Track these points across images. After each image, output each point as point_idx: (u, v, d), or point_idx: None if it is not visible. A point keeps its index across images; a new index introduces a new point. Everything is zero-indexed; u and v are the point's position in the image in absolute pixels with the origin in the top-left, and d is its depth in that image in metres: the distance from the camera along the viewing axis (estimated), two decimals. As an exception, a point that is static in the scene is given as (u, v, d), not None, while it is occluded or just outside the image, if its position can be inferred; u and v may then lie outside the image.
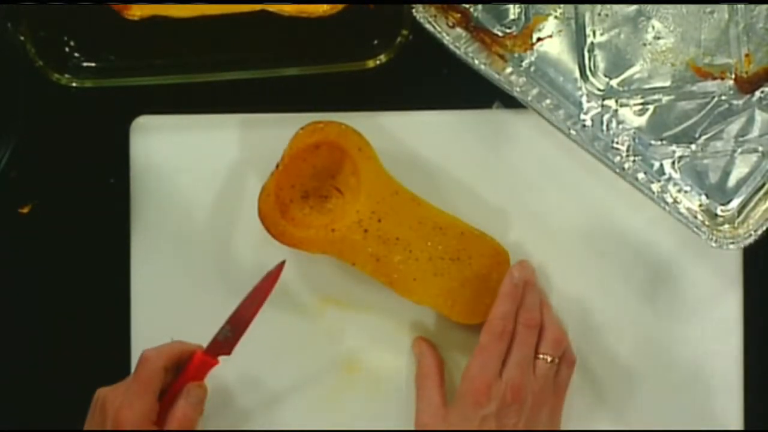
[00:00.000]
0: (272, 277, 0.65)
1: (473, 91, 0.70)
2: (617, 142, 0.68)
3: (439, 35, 0.67)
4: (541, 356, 0.65)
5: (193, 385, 0.63)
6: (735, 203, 0.69)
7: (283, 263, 0.65)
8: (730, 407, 0.70)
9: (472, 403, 0.62)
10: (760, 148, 0.68)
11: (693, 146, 0.68)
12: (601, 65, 0.69)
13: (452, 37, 0.67)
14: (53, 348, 0.73)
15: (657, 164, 0.68)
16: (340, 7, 0.67)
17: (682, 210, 0.68)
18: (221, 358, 0.65)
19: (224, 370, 0.65)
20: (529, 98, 0.68)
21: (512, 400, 0.62)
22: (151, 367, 0.61)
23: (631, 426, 0.70)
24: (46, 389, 0.73)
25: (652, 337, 0.71)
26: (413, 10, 0.66)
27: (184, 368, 0.63)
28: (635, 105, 0.69)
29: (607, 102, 0.69)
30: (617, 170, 0.68)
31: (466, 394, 0.63)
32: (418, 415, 0.64)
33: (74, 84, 0.68)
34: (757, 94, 0.68)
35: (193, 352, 0.64)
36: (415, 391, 0.66)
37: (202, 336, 0.66)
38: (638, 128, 0.69)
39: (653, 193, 0.68)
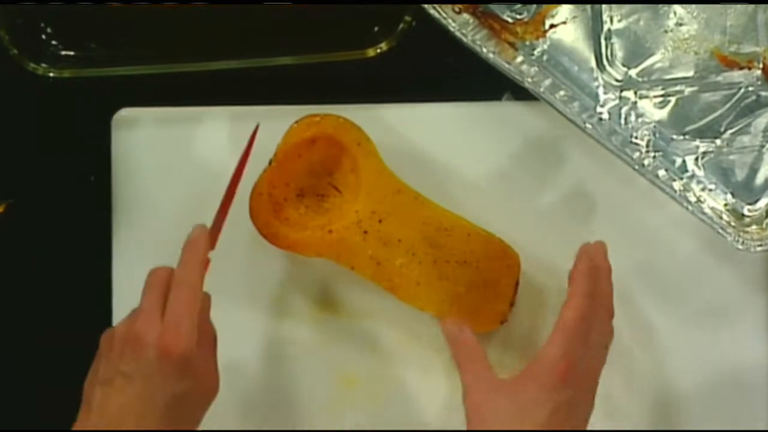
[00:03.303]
0: (246, 148, 0.64)
1: (481, 82, 0.69)
2: (636, 137, 0.67)
3: (444, 21, 0.66)
4: (608, 336, 0.63)
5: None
6: (763, 203, 0.67)
7: (257, 127, 0.64)
8: (758, 412, 0.70)
9: (547, 383, 0.57)
10: (791, 144, 0.68)
11: (718, 141, 0.67)
12: (619, 54, 0.68)
13: (459, 23, 0.67)
14: (32, 352, 0.71)
15: (679, 160, 0.67)
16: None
17: (706, 210, 0.66)
18: None
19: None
20: (542, 89, 0.67)
21: (588, 389, 0.59)
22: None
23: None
24: (25, 392, 0.71)
25: (675, 344, 0.70)
26: (417, -5, 0.66)
27: None
28: (656, 97, 0.68)
29: (625, 93, 0.68)
30: (636, 167, 0.67)
31: (542, 372, 0.58)
32: (470, 394, 0.59)
33: (52, 74, 0.67)
34: (788, 85, 0.68)
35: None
36: (458, 372, 0.62)
37: None
38: (659, 122, 0.68)
39: (675, 191, 0.66)
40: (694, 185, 0.67)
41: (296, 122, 0.65)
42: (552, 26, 0.68)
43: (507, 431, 0.56)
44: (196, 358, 0.56)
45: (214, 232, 0.62)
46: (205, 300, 0.60)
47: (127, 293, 0.68)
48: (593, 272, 0.61)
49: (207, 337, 0.59)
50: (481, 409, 0.58)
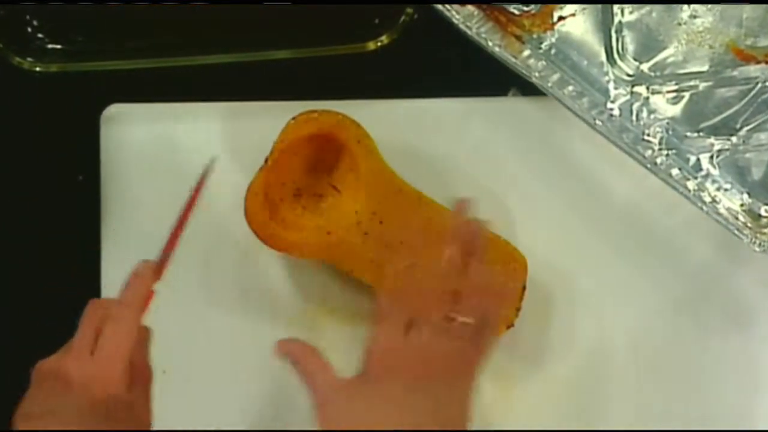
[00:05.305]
0: (199, 183, 0.62)
1: (486, 77, 0.69)
2: (648, 134, 0.67)
3: (448, 14, 0.66)
4: (459, 318, 0.59)
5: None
6: (781, 203, 0.68)
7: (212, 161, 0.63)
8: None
9: (377, 373, 0.57)
10: (809, 141, 0.68)
11: (734, 138, 0.67)
12: (631, 47, 0.68)
13: (463, 15, 0.66)
14: (21, 352, 0.67)
15: (693, 159, 0.67)
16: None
17: (722, 210, 0.66)
18: None
19: (210, 387, 0.65)
20: (550, 85, 0.66)
21: (423, 366, 0.57)
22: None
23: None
24: (9, 400, 0.68)
25: (689, 352, 0.70)
26: (419, -14, 0.66)
27: None
28: (669, 92, 0.67)
29: (637, 89, 0.67)
30: (648, 165, 0.66)
31: (370, 364, 0.58)
32: (319, 408, 0.58)
33: (38, 68, 0.67)
34: (806, 80, 0.68)
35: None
36: (307, 391, 0.60)
37: (181, 347, 0.65)
38: (672, 118, 0.67)
39: (689, 191, 0.66)
40: (708, 185, 0.66)
41: (293, 119, 0.64)
42: (560, 18, 0.67)
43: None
44: (124, 400, 0.55)
45: (160, 264, 0.60)
46: (143, 335, 0.58)
47: (116, 294, 0.67)
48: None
49: (141, 377, 0.57)
50: (331, 421, 0.57)
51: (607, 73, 0.67)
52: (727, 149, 0.67)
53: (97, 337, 0.56)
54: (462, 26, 0.66)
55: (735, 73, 0.67)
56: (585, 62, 0.67)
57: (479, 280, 0.60)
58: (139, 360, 0.57)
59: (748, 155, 0.67)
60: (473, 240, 0.61)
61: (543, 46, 0.67)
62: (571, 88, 0.66)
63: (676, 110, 0.67)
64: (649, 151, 0.66)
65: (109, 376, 0.54)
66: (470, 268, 0.60)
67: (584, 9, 0.67)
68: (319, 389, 0.58)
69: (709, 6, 0.67)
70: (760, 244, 0.65)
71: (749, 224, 0.66)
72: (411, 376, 0.56)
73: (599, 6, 0.67)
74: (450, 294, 0.59)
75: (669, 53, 0.67)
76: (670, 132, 0.67)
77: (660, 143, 0.66)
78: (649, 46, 0.67)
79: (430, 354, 0.57)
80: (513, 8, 0.67)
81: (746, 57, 0.67)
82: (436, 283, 0.59)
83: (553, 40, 0.67)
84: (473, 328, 0.59)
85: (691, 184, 0.66)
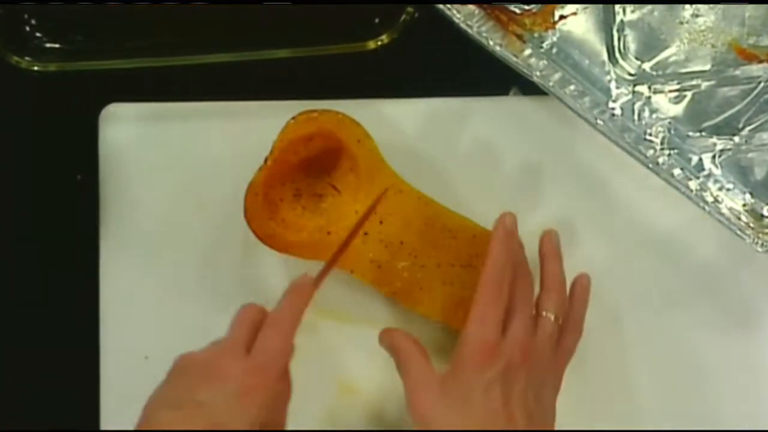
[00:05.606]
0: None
1: (487, 76, 0.68)
2: (650, 134, 0.66)
3: (448, 12, 0.66)
4: (544, 314, 0.61)
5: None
6: (783, 203, 0.67)
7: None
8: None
9: (474, 367, 0.58)
10: (812, 141, 0.67)
11: (736, 138, 0.66)
12: (632, 46, 0.67)
13: (464, 14, 0.66)
14: (17, 354, 0.71)
15: (695, 159, 0.66)
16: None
17: (724, 210, 0.66)
18: None
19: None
20: (551, 84, 0.66)
21: (521, 361, 0.58)
22: None
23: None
24: (8, 400, 0.71)
25: (690, 353, 0.69)
26: (420, -16, 0.65)
27: None
28: (671, 91, 0.67)
29: (638, 88, 0.67)
30: (650, 165, 0.66)
31: (466, 358, 0.58)
32: (410, 396, 0.59)
33: (36, 68, 0.66)
34: (809, 79, 0.67)
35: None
36: (402, 381, 0.61)
37: (180, 346, 0.63)
38: (674, 118, 0.67)
39: (691, 191, 0.66)
40: (711, 184, 0.66)
41: (293, 118, 0.63)
42: (562, 17, 0.67)
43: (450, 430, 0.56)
44: (272, 405, 0.54)
45: (318, 279, 0.61)
46: (292, 350, 0.58)
47: (114, 296, 0.69)
48: (510, 238, 0.61)
49: (285, 389, 0.57)
50: (423, 410, 0.57)
51: (608, 73, 0.67)
52: (730, 149, 0.66)
53: (251, 339, 0.56)
54: (463, 25, 0.65)
55: (737, 72, 0.66)
56: (586, 61, 0.67)
57: (556, 277, 0.62)
58: (286, 371, 0.57)
59: (750, 155, 0.66)
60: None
61: (544, 45, 0.67)
62: (572, 87, 0.66)
63: (678, 110, 0.67)
64: (651, 151, 0.66)
65: (266, 376, 0.54)
66: (549, 266, 0.63)
67: (586, 8, 0.66)
68: (413, 381, 0.59)
69: (712, 5, 0.66)
70: (762, 245, 0.64)
71: (752, 224, 0.65)
72: (505, 368, 0.57)
73: (601, 5, 0.66)
74: (532, 291, 0.61)
75: (671, 52, 0.67)
76: (672, 131, 0.66)
77: (662, 143, 0.66)
78: (650, 45, 0.67)
79: (529, 344, 0.58)
80: (514, 7, 0.66)
81: (748, 56, 0.66)
82: (522, 280, 0.60)
83: (555, 39, 0.67)
84: (557, 325, 0.60)
85: (693, 184, 0.65)
